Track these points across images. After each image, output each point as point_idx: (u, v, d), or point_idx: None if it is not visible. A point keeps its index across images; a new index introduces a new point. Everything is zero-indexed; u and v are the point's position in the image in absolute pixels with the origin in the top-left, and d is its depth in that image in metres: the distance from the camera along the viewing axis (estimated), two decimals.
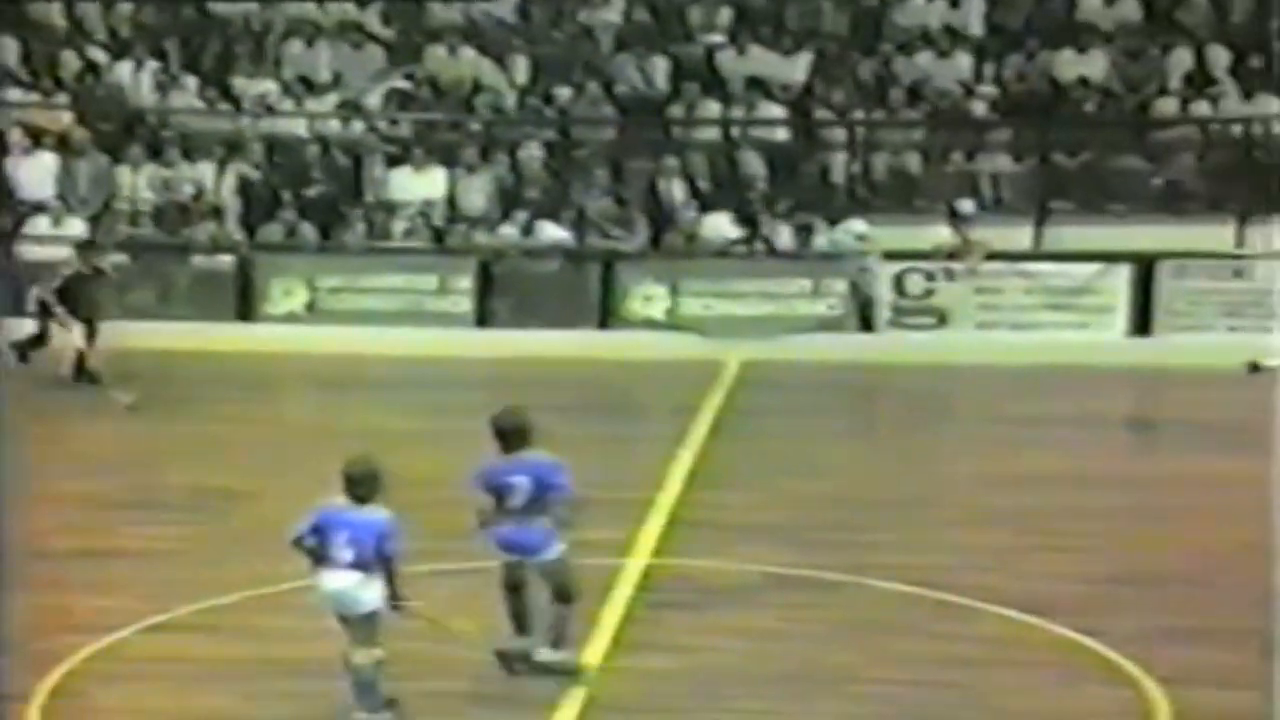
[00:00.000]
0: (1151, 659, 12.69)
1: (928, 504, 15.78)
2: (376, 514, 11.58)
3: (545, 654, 12.29)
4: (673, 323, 22.32)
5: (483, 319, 22.98)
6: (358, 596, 11.58)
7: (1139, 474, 17.08)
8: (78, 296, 20.93)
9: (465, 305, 23.00)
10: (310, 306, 23.39)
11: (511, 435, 12.43)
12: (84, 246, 22.01)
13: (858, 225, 22.89)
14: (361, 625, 11.61)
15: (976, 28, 26.43)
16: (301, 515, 11.46)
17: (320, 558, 11.57)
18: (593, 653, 12.87)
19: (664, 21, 27.16)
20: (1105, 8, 26.15)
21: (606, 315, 22.66)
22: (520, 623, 12.37)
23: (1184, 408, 19.59)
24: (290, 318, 23.07)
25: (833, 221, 23.21)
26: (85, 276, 21.17)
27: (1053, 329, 21.59)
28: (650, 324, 22.31)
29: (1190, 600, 13.95)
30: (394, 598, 11.67)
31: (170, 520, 15.41)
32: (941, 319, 22.00)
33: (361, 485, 11.60)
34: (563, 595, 12.32)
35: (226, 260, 24.14)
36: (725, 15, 26.98)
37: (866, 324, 22.29)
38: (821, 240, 23.05)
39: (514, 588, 12.36)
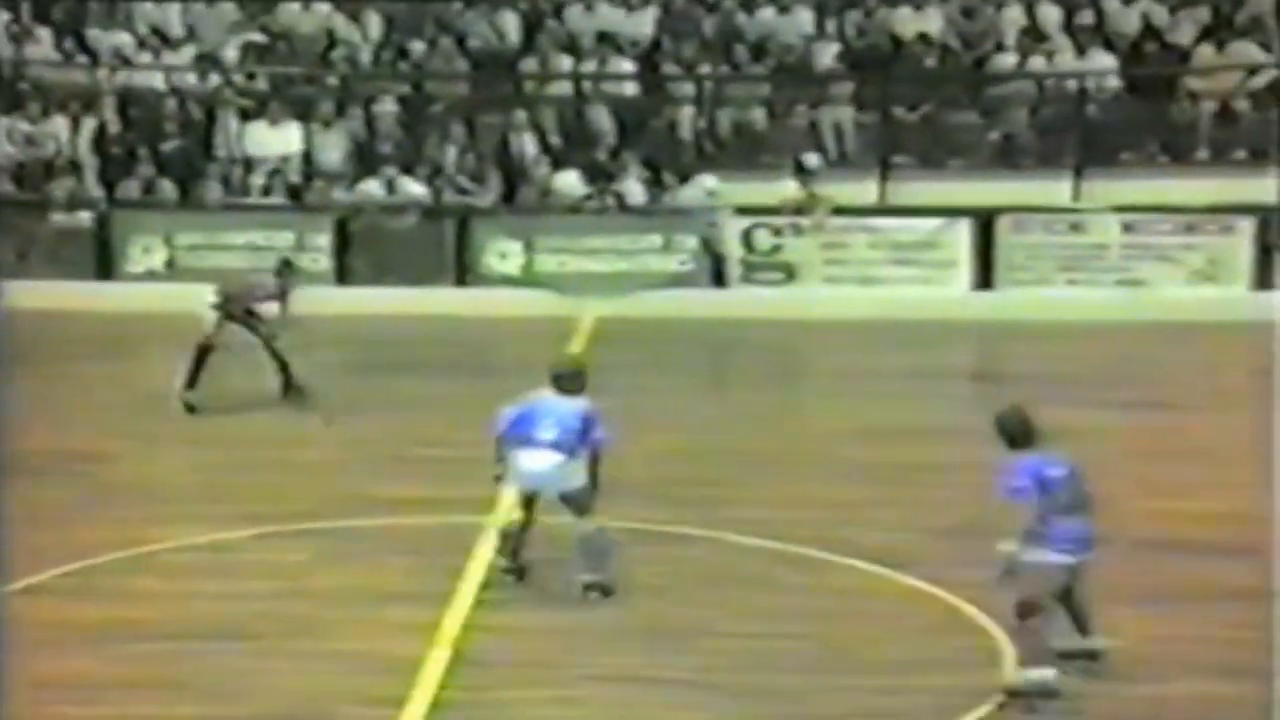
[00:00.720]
0: (999, 607, 12.82)
1: (781, 458, 15.86)
2: (580, 403, 13.09)
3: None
4: (528, 279, 22.21)
5: (342, 276, 22.79)
6: (558, 476, 12.99)
7: (982, 426, 17.18)
8: None
9: (324, 263, 22.78)
10: (170, 264, 23.08)
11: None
12: None
13: (708, 181, 22.85)
14: (571, 501, 13.08)
15: None
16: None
17: (523, 442, 12.94)
18: (457, 610, 12.88)
19: None
20: None
21: (463, 272, 22.53)
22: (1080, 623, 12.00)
23: (1025, 361, 19.77)
24: (149, 276, 22.75)
25: (683, 177, 23.16)
26: None
27: (897, 283, 21.64)
28: (506, 280, 22.17)
29: None
30: (593, 480, 13.05)
31: (35, 483, 15.18)
32: (790, 274, 21.99)
33: (568, 380, 13.22)
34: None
35: (85, 217, 23.76)
36: None
37: (718, 279, 22.28)
38: (672, 196, 23.00)
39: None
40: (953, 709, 11.36)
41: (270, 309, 18.05)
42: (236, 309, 18.02)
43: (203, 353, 17.94)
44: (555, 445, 13.07)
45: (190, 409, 17.86)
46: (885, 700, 11.61)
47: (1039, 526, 11.37)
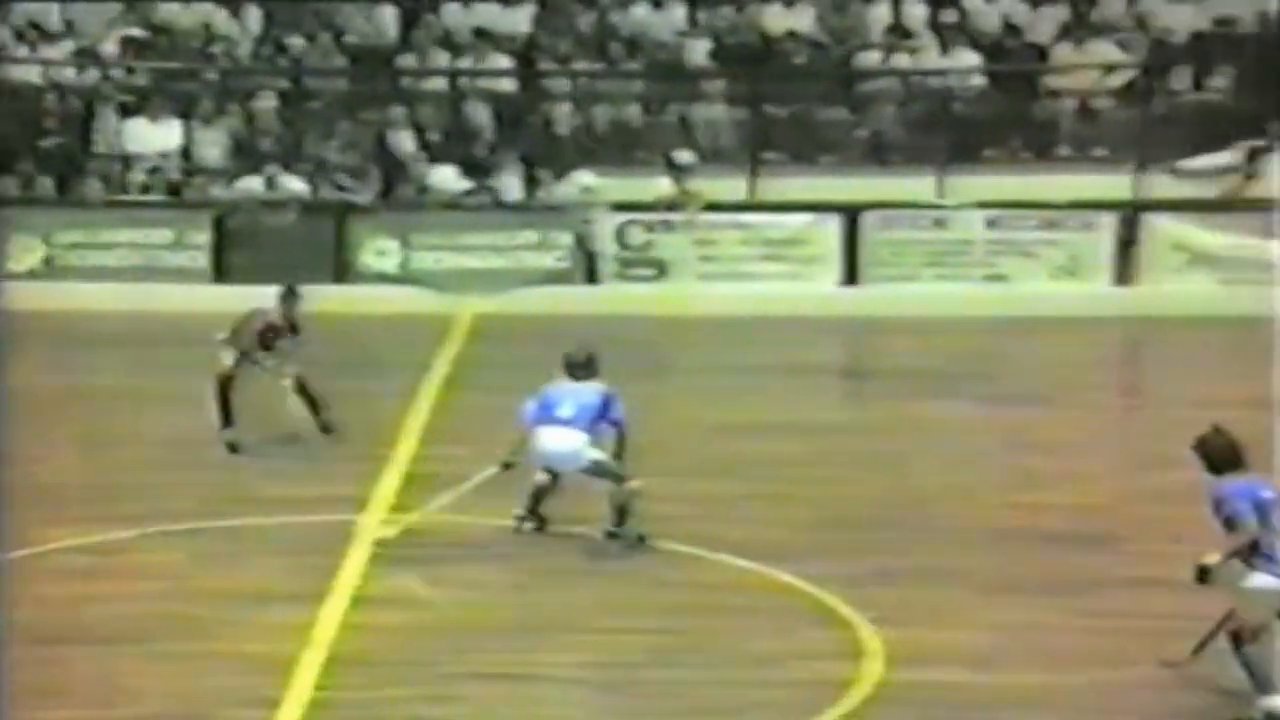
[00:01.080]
0: (865, 601, 12.92)
1: (653, 454, 15.77)
2: (597, 385, 13.96)
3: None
4: (405, 276, 22.08)
5: (220, 274, 22.56)
6: (577, 452, 13.72)
7: (851, 421, 17.33)
8: None
9: (202, 260, 22.54)
10: (48, 263, 22.75)
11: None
12: None
13: (585, 177, 22.77)
14: (600, 474, 13.81)
15: None
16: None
17: (543, 422, 13.72)
18: (332, 610, 12.82)
19: None
20: None
21: (341, 269, 22.37)
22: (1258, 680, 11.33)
23: (892, 356, 19.88)
24: (29, 275, 22.39)
25: (560, 174, 23.09)
26: None
27: (768, 279, 21.64)
28: (384, 278, 22.03)
29: (900, 543, 14.20)
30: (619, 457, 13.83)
31: None
32: (662, 270, 21.95)
33: (580, 368, 14.06)
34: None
35: None
36: None
37: (592, 276, 22.23)
38: (548, 193, 22.92)
39: None
40: (820, 701, 11.41)
41: (285, 344, 16.55)
42: (249, 345, 16.54)
43: (224, 387, 16.45)
44: (572, 423, 13.82)
45: (234, 449, 16.34)
46: (755, 693, 11.66)
47: (1258, 551, 11.06)
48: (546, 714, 11.48)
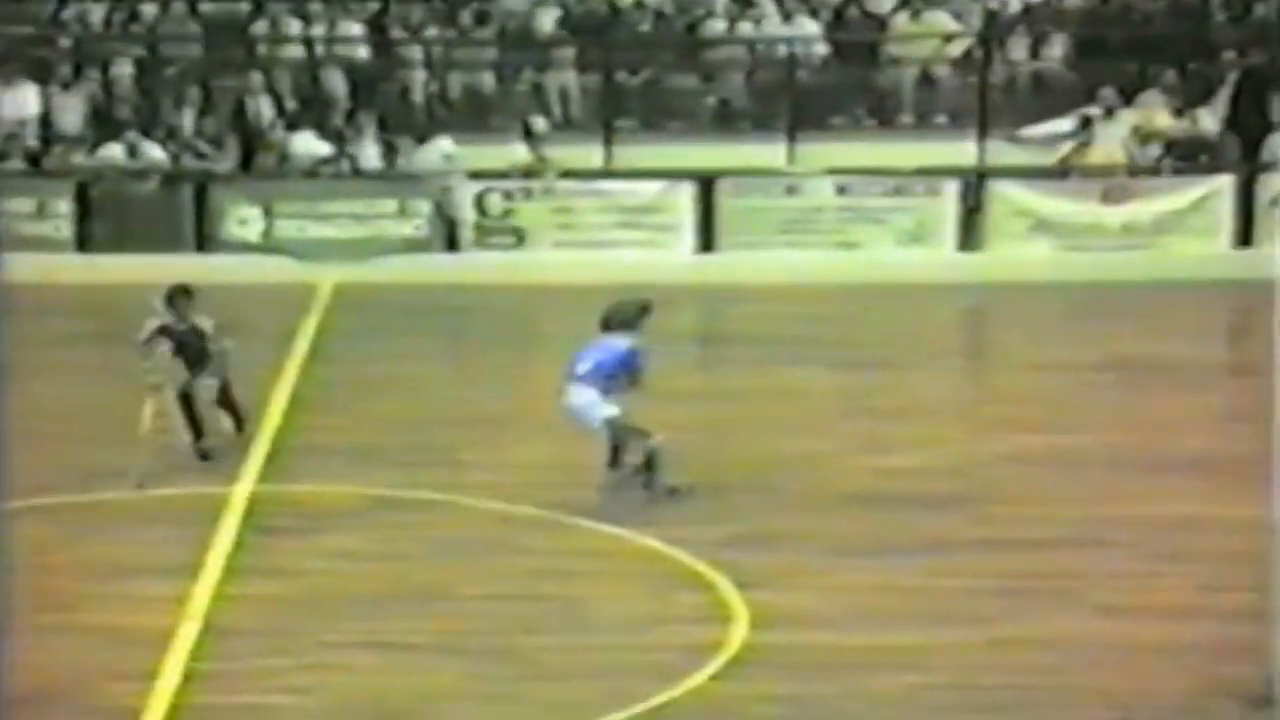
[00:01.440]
0: (726, 565, 13.02)
1: (514, 422, 15.87)
2: (627, 340, 14.14)
3: None
4: (267, 245, 21.81)
5: (82, 243, 22.16)
6: (587, 408, 14.00)
7: (707, 388, 17.38)
8: None
9: (65, 230, 22.11)
10: None
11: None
12: None
13: (445, 145, 22.58)
14: (610, 433, 14.08)
15: None
16: None
17: (566, 379, 13.99)
18: (204, 581, 12.73)
19: None
20: None
21: (203, 238, 22.06)
22: None
23: (747, 322, 19.92)
24: None
25: (418, 140, 22.89)
26: None
27: (625, 247, 21.55)
28: (246, 247, 21.71)
29: (758, 507, 14.29)
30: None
31: None
32: (521, 238, 21.81)
33: (611, 322, 14.29)
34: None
35: None
36: None
37: (451, 244, 22.07)
38: (409, 160, 22.72)
39: None
40: (688, 665, 11.52)
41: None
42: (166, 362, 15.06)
43: (185, 401, 15.08)
44: (584, 379, 14.07)
45: (206, 456, 15.03)
46: (622, 657, 11.78)
47: None
48: (418, 682, 11.49)
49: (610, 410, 14.14)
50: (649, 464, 14.22)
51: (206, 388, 15.13)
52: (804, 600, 12.67)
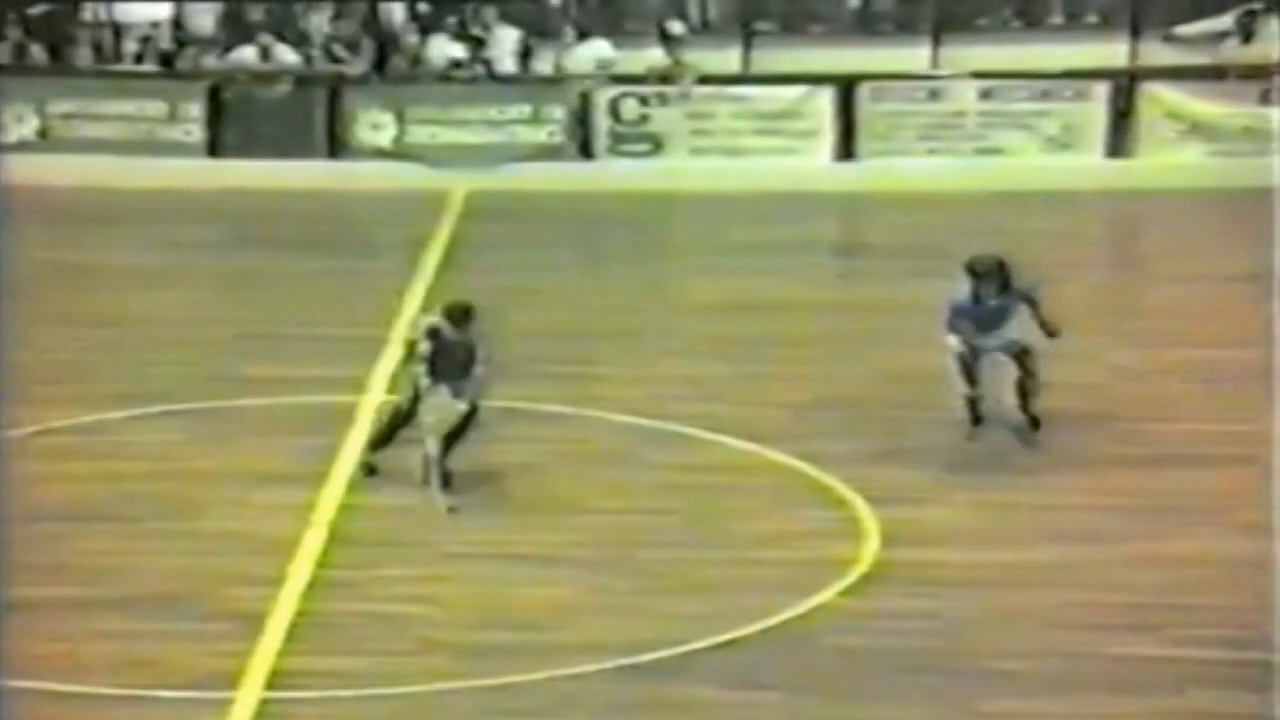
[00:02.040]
0: (861, 480, 13.03)
1: (646, 335, 15.90)
2: None
3: None
4: (399, 152, 21.93)
5: (214, 148, 22.39)
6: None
7: (844, 300, 17.34)
8: None
9: (197, 134, 22.36)
10: (43, 134, 22.61)
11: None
12: None
13: (602, 48, 22.42)
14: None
15: None
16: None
17: None
18: (331, 490, 12.93)
19: None
20: None
21: (334, 144, 22.22)
22: None
23: (886, 232, 19.83)
24: (22, 146, 22.25)
25: (555, 43, 22.80)
26: None
27: (762, 154, 21.52)
28: (378, 153, 21.86)
29: (889, 423, 14.26)
30: None
31: None
32: (657, 145, 21.79)
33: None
34: None
35: None
36: None
37: (585, 151, 22.10)
38: (560, 60, 22.65)
39: None
40: (815, 581, 11.53)
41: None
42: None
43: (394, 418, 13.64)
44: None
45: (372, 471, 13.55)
46: (747, 572, 11.79)
47: None
48: (540, 593, 11.57)
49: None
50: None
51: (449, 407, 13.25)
52: (937, 517, 12.68)
